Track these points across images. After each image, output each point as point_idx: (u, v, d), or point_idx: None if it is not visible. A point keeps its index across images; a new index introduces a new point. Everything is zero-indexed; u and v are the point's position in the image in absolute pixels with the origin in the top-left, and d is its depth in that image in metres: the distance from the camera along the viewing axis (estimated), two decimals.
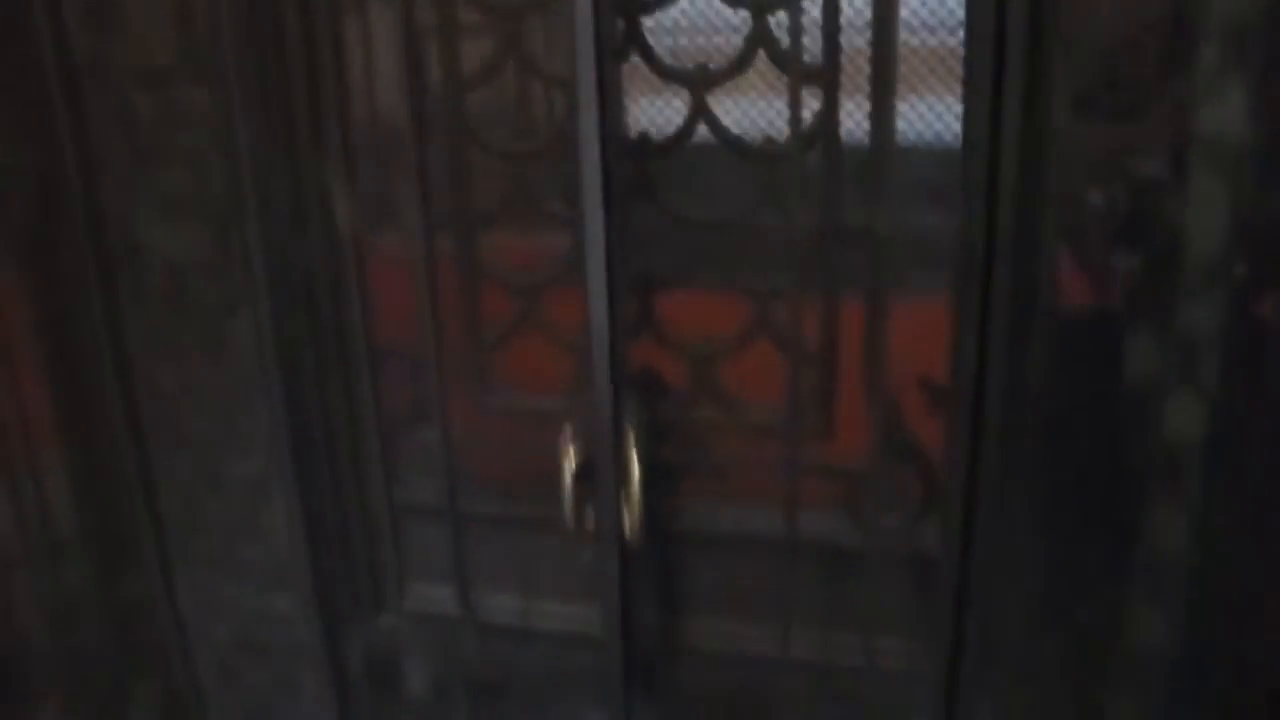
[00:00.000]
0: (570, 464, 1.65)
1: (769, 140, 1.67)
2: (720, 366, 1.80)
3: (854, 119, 1.64)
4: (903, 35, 1.59)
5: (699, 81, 1.66)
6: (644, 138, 1.70)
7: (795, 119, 1.63)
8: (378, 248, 1.88)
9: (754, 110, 1.67)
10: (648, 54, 1.66)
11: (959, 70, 1.53)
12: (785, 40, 1.61)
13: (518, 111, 1.83)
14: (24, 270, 1.82)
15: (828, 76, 1.63)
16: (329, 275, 1.87)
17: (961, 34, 1.51)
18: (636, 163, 1.70)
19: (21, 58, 1.72)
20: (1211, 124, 1.33)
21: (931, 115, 1.61)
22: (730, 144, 1.67)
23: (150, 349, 1.89)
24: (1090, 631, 1.61)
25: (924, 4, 1.58)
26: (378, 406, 1.91)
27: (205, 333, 1.85)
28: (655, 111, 1.70)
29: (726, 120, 1.67)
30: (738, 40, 1.64)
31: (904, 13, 1.58)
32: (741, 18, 1.62)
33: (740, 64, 1.65)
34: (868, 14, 1.60)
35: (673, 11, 1.65)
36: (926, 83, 1.59)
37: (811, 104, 1.64)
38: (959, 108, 1.53)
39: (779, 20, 1.61)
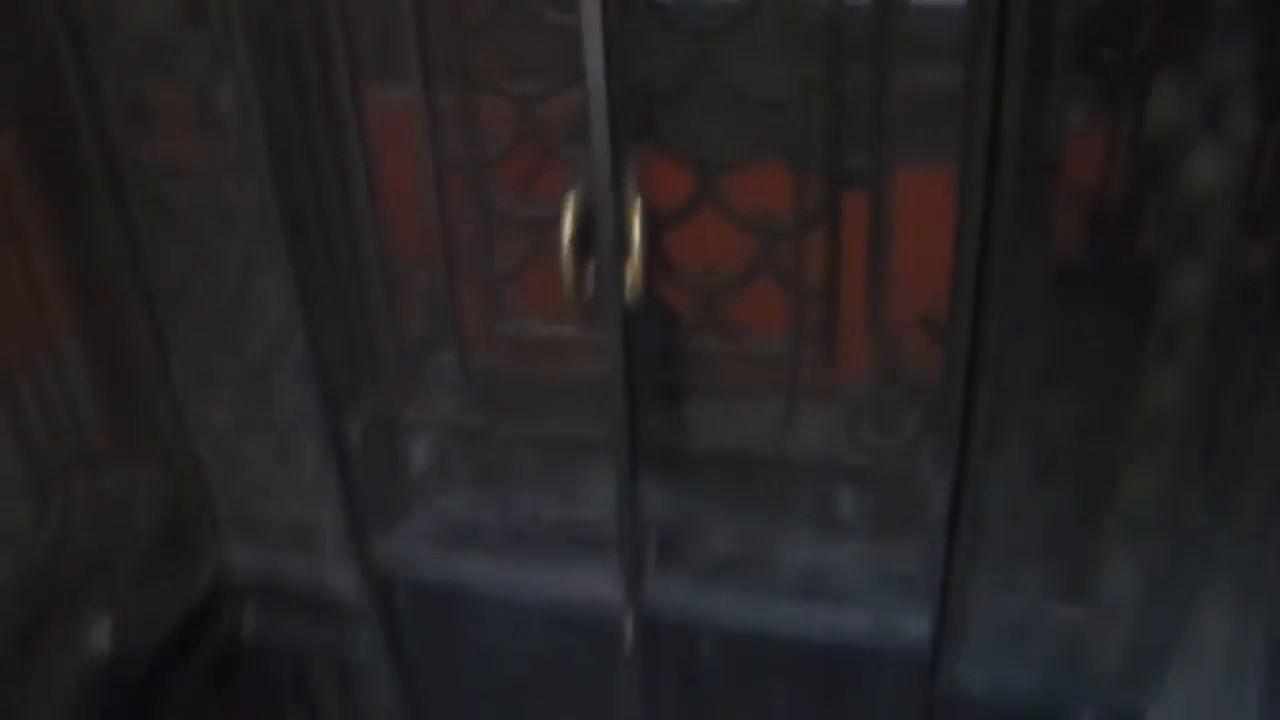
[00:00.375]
0: (569, 224, 1.61)
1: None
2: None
3: None
4: None
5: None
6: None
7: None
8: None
9: None
10: None
11: None
12: None
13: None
14: None
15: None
16: (313, 39, 1.80)
17: None
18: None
19: None
20: None
21: None
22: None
23: (130, 122, 1.83)
24: (1104, 395, 1.60)
25: None
26: (368, 170, 1.85)
27: (186, 103, 1.78)
28: None
29: None
30: None
31: None
32: None
33: None
34: None
35: None
36: None
37: None
38: None
39: None
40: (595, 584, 1.99)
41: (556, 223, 1.62)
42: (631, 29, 1.59)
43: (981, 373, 1.62)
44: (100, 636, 1.96)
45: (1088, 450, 1.65)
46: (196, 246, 1.88)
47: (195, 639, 2.19)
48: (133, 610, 2.04)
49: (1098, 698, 1.86)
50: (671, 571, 1.97)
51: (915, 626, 1.88)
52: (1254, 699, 1.52)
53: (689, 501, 1.91)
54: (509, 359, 1.96)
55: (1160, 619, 1.76)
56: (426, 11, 1.77)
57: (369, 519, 2.09)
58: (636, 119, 1.67)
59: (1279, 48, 1.34)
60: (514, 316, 1.93)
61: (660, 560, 1.96)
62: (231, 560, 2.22)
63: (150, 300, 1.94)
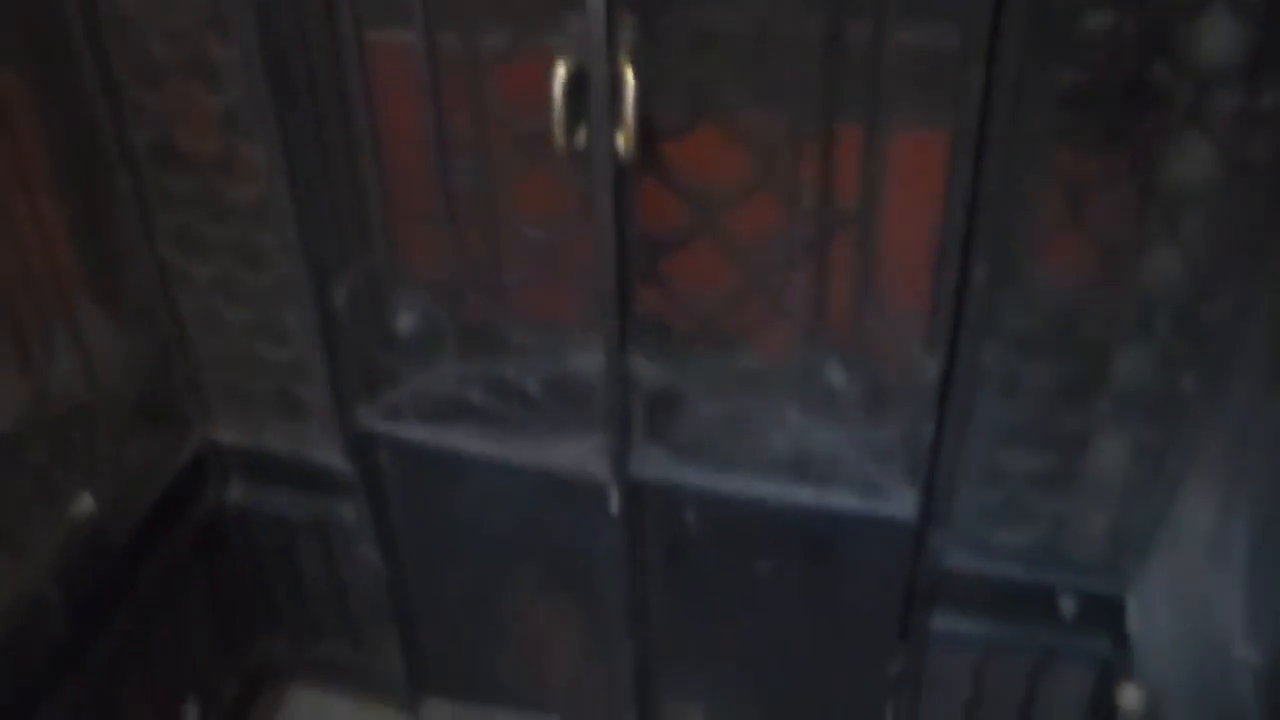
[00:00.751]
0: (561, 74, 1.57)
1: None
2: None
3: None
4: None
5: None
6: None
7: None
8: None
9: None
10: None
11: None
12: None
13: None
14: None
15: None
16: None
17: None
18: None
19: None
20: None
21: None
22: None
23: None
24: (1101, 271, 1.58)
25: None
26: (358, 26, 1.80)
27: None
28: None
29: None
30: None
31: None
32: None
33: None
34: None
35: None
36: None
37: None
38: None
39: None
40: (582, 454, 1.99)
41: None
42: None
43: (976, 245, 1.59)
44: (84, 502, 1.96)
45: (1081, 328, 1.63)
46: (180, 102, 1.83)
47: (180, 507, 2.19)
48: (116, 476, 2.03)
49: (1080, 581, 1.87)
50: (658, 442, 1.96)
51: (901, 504, 1.88)
52: (1237, 585, 1.51)
53: (677, 373, 1.89)
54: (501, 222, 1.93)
55: (1145, 503, 1.76)
56: None
57: (355, 388, 2.08)
58: None
59: None
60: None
61: (647, 431, 1.95)
62: (216, 429, 2.22)
63: (132, 157, 1.89)
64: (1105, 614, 1.87)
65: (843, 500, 1.91)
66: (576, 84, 1.60)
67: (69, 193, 1.91)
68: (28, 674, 1.87)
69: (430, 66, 1.79)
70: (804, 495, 1.92)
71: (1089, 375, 1.68)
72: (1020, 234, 1.57)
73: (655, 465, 1.97)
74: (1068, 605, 1.89)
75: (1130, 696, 1.76)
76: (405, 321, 1.99)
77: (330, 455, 2.15)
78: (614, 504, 1.99)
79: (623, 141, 1.61)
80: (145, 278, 2.02)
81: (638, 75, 1.58)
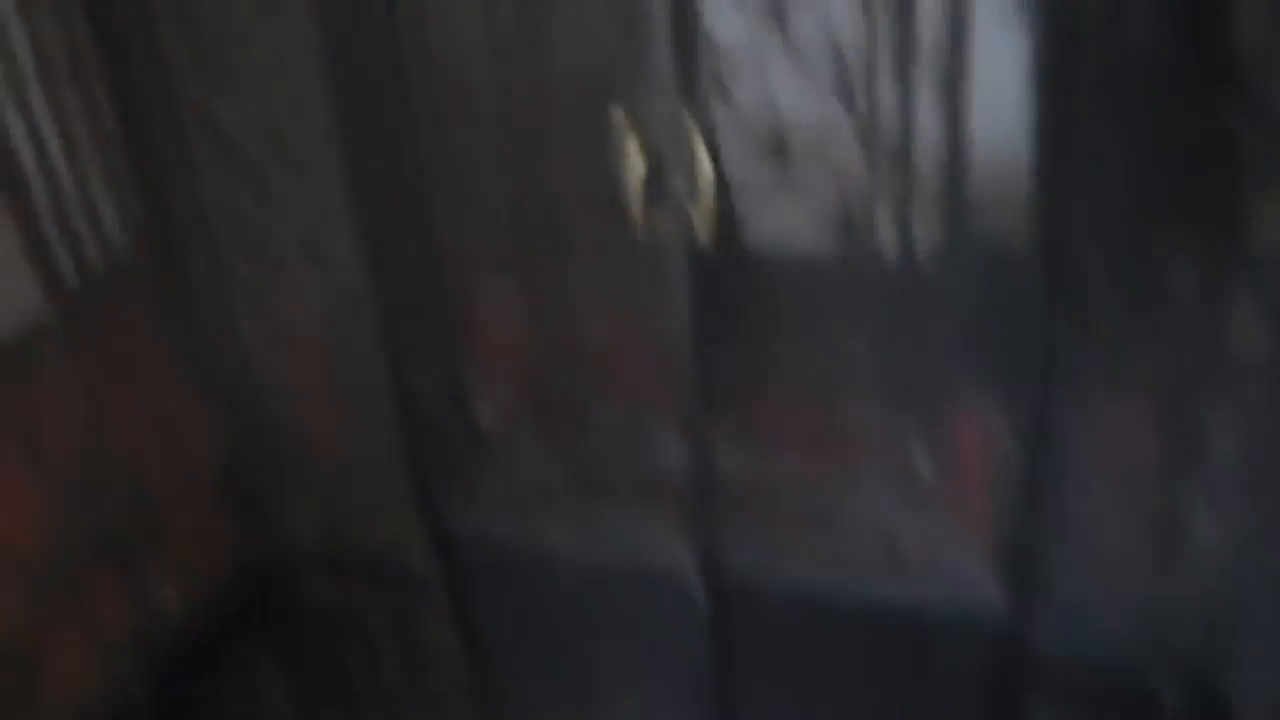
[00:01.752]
0: (638, 167, 1.58)
1: None
2: None
3: None
4: None
5: None
6: None
7: None
8: None
9: None
10: None
11: None
12: None
13: None
14: None
15: None
16: None
17: None
18: None
19: None
20: None
21: None
22: None
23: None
24: (1188, 348, 1.55)
25: None
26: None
27: None
28: None
29: None
30: None
31: None
32: None
33: None
34: None
35: None
36: None
37: None
38: None
39: None
40: (668, 547, 1.97)
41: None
42: None
43: (1057, 309, 1.57)
44: (165, 597, 1.96)
45: (1173, 405, 1.60)
46: (261, 188, 1.86)
47: (261, 604, 2.19)
48: (196, 573, 2.04)
49: (1181, 668, 1.81)
50: (746, 536, 1.94)
51: (993, 593, 1.84)
52: None
53: (764, 466, 1.87)
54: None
55: (1246, 584, 1.70)
56: None
57: (437, 481, 2.08)
58: None
59: None
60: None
61: (735, 524, 1.93)
62: (297, 525, 2.22)
63: (207, 224, 1.93)
64: (1207, 702, 1.80)
65: (933, 591, 1.87)
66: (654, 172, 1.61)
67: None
68: None
69: None
70: (892, 588, 1.88)
71: (1185, 453, 1.63)
72: (1106, 305, 1.55)
73: (743, 559, 1.95)
74: (1170, 695, 1.83)
75: None
76: (486, 411, 1.99)
77: (412, 552, 2.14)
78: (700, 598, 1.97)
79: (702, 231, 1.61)
80: (229, 371, 2.04)
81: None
